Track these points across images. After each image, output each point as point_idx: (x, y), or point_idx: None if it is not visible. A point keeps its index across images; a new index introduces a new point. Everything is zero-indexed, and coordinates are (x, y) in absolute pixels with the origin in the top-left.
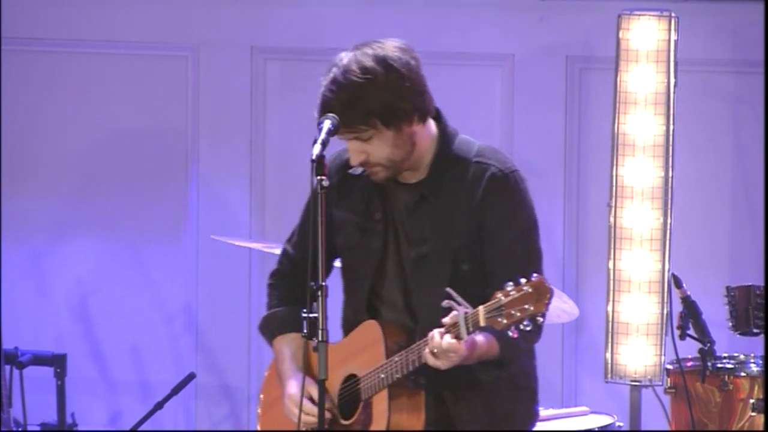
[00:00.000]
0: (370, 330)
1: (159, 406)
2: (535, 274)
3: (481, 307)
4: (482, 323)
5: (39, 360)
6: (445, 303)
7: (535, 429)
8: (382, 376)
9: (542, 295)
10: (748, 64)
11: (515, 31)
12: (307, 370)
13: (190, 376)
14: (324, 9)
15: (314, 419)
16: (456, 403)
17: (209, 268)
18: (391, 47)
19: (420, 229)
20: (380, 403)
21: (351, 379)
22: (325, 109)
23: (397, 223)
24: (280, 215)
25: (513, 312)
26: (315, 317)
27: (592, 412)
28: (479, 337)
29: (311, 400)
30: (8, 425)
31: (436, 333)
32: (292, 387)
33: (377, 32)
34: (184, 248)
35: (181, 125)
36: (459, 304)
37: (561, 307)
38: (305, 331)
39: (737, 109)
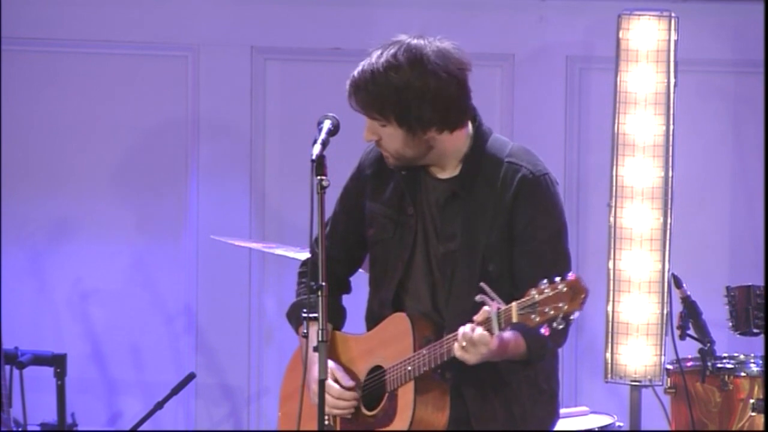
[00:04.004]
0: (399, 322)
1: (159, 406)
2: (570, 274)
3: (514, 303)
4: (515, 319)
5: (39, 360)
6: (479, 298)
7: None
8: (409, 368)
9: (577, 294)
10: (748, 64)
11: (515, 31)
12: (333, 356)
13: (190, 376)
14: (324, 9)
15: (342, 403)
16: (475, 400)
17: (209, 268)
18: (439, 53)
19: (449, 226)
20: (406, 395)
21: (376, 371)
22: (350, 86)
23: (427, 218)
24: (280, 215)
25: (546, 310)
26: (315, 317)
27: (592, 412)
28: (507, 335)
29: (339, 385)
30: (8, 425)
31: (467, 327)
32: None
33: (377, 32)
34: (184, 248)
35: (181, 125)
36: (492, 299)
37: None
38: (305, 331)
39: (737, 109)
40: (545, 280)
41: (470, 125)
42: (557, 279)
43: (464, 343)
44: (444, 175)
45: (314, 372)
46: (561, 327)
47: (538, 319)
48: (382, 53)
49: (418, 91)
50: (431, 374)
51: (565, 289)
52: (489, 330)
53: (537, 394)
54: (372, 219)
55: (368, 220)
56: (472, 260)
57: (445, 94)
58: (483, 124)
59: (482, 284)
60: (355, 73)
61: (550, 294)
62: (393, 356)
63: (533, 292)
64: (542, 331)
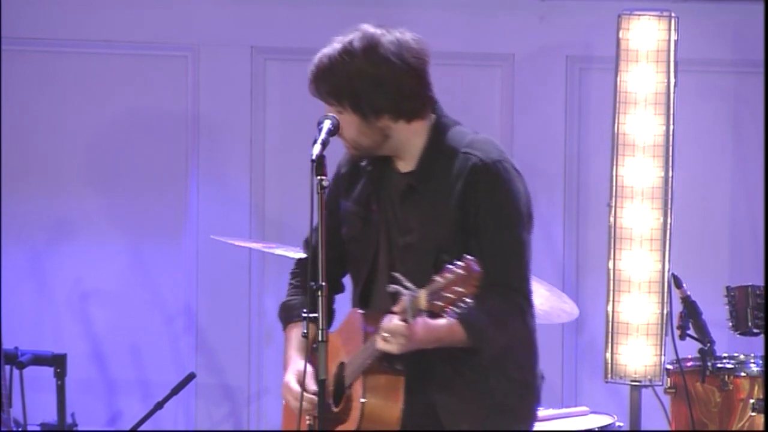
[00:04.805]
0: (353, 319)
1: (159, 406)
2: (467, 256)
3: (422, 290)
4: (423, 306)
5: (39, 360)
6: (391, 288)
7: (534, 429)
8: (359, 362)
9: (471, 276)
10: (748, 64)
11: (515, 31)
12: (313, 356)
13: (190, 376)
14: (324, 9)
15: (304, 405)
16: (441, 393)
17: (209, 268)
18: (395, 41)
19: (408, 219)
20: (358, 389)
21: (340, 367)
22: (309, 73)
23: (389, 213)
24: (280, 215)
25: (447, 294)
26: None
27: (592, 412)
28: (439, 321)
29: (303, 386)
30: (8, 425)
31: (386, 317)
32: (289, 373)
33: None
34: (184, 248)
35: (181, 125)
36: (406, 288)
37: (561, 307)
38: (305, 331)
39: (737, 109)
40: (449, 266)
41: (431, 117)
42: (457, 263)
43: (385, 334)
44: (405, 168)
45: (286, 374)
46: (461, 311)
47: (441, 304)
48: (339, 41)
49: (370, 77)
50: (380, 367)
51: (461, 272)
52: (406, 319)
53: (507, 384)
54: (345, 217)
55: (342, 218)
56: (427, 252)
57: (397, 82)
58: (445, 116)
59: (396, 274)
60: (314, 59)
61: (450, 278)
62: (351, 352)
63: (437, 278)
64: (447, 316)
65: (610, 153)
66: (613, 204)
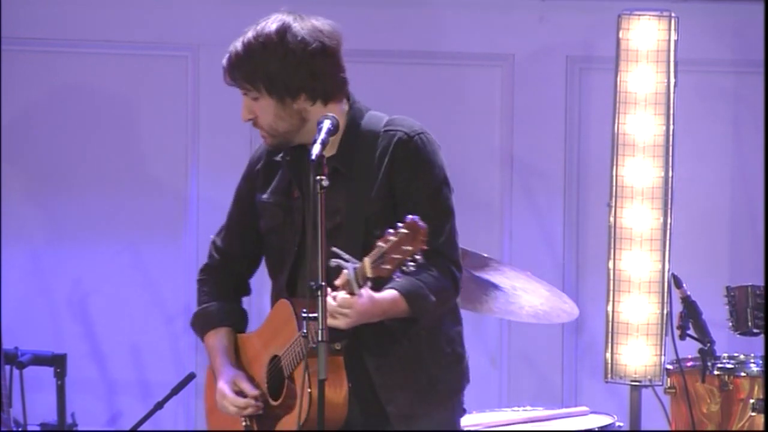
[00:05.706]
0: (282, 309)
1: (159, 406)
2: (409, 216)
3: (366, 258)
4: (369, 274)
5: (39, 360)
6: (333, 262)
7: (535, 429)
8: (298, 349)
9: (417, 233)
10: (748, 64)
11: (515, 31)
12: (237, 358)
13: (190, 376)
14: (323, 10)
15: (243, 411)
16: (378, 370)
17: None
18: (308, 24)
19: (333, 202)
20: (300, 376)
21: (274, 360)
22: (224, 61)
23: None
24: None
25: (395, 256)
26: (315, 317)
27: (592, 412)
28: (382, 293)
29: (240, 393)
30: (8, 425)
31: (330, 294)
32: (222, 381)
33: (377, 32)
34: (184, 248)
35: (181, 125)
36: (347, 261)
37: (561, 307)
38: (304, 331)
39: (737, 109)
40: (390, 230)
41: (345, 105)
42: (399, 224)
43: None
44: (325, 154)
45: (219, 382)
46: (412, 268)
47: (389, 267)
48: (253, 29)
49: (284, 57)
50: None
51: (406, 231)
52: (351, 292)
53: (440, 358)
54: (263, 210)
55: (260, 212)
56: (356, 230)
57: (311, 61)
58: (359, 102)
59: (334, 248)
60: (229, 49)
61: (395, 240)
62: (284, 342)
63: (380, 243)
64: (395, 277)
65: (610, 153)
66: (613, 204)
